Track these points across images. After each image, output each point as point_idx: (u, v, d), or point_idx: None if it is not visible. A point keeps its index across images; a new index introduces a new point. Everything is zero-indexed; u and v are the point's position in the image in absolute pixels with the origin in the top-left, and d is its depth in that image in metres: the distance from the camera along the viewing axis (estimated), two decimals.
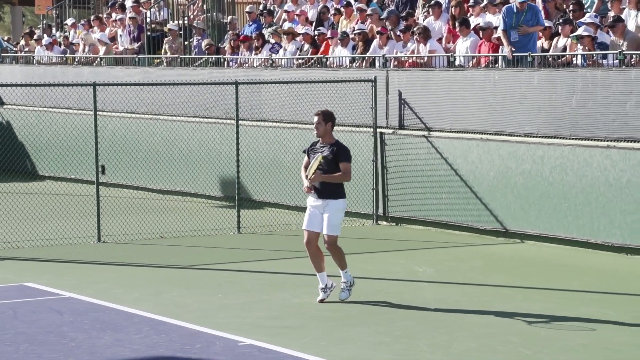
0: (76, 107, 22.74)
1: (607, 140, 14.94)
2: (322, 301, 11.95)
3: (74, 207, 18.71)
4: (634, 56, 15.21)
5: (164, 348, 10.15)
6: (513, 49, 16.48)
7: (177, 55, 23.56)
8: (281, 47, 21.36)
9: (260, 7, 24.12)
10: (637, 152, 14.54)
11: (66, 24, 28.61)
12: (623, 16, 16.15)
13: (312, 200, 11.94)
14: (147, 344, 10.32)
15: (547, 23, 16.89)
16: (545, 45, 16.86)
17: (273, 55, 21.34)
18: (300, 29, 21.33)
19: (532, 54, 16.28)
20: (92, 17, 27.36)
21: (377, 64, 18.87)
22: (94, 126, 16.91)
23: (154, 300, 12.36)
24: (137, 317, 11.44)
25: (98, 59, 25.22)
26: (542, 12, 16.94)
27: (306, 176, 11.87)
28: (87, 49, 26.03)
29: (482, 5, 18.38)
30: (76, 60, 26.23)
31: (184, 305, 12.03)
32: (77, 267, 14.61)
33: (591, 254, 14.98)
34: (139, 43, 25.06)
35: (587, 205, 15.14)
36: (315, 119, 11.95)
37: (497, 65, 17.09)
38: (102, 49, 25.31)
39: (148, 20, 25.29)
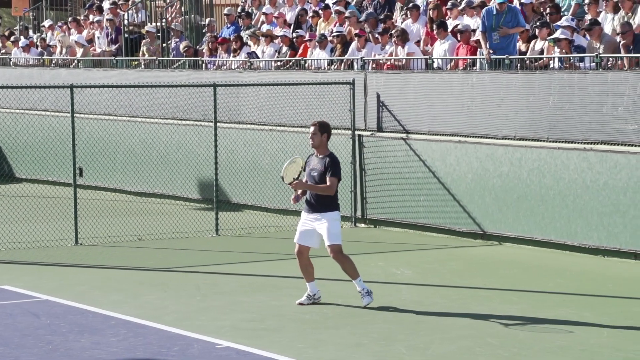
0: (53, 109, 22.65)
1: (584, 143, 15.01)
2: (300, 304, 11.93)
3: (51, 210, 18.62)
4: (610, 59, 15.29)
5: (142, 351, 10.12)
6: (491, 52, 16.53)
7: (155, 58, 23.51)
8: (257, 56, 21.33)
9: (239, 10, 24.11)
10: (614, 155, 14.62)
11: (43, 26, 28.49)
12: (600, 19, 16.24)
13: (305, 215, 11.83)
14: (125, 346, 10.29)
15: None
16: (523, 48, 16.93)
17: (252, 48, 21.29)
18: (278, 31, 21.33)
19: (510, 57, 16.34)
20: (70, 19, 27.26)
21: (355, 67, 18.89)
22: (72, 128, 16.85)
23: (131, 302, 12.32)
24: (115, 319, 11.41)
25: (75, 61, 25.13)
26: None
27: (281, 177, 11.80)
28: (64, 50, 25.93)
29: (459, 8, 18.43)
30: (53, 62, 26.13)
31: (162, 308, 12.00)
32: (54, 269, 14.55)
33: (568, 256, 15.04)
34: (117, 45, 25.00)
35: (564, 208, 15.21)
36: (312, 129, 11.81)
37: (475, 67, 17.14)
38: (79, 51, 25.22)
39: (126, 22, 25.23)
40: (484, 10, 16.82)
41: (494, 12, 16.56)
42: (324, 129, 11.82)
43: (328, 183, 11.64)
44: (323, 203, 11.71)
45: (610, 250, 14.73)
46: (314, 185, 11.73)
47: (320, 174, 11.68)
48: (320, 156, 11.79)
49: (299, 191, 11.90)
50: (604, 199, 14.73)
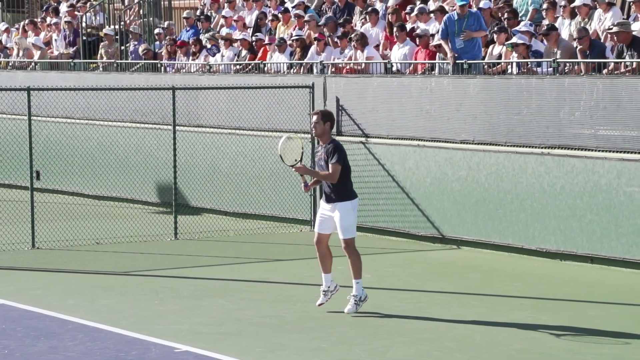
0: (10, 112, 22.44)
1: (542, 148, 15.12)
2: (320, 305, 11.76)
3: (7, 213, 18.44)
4: (567, 64, 15.42)
5: (99, 355, 10.06)
6: (455, 55, 16.49)
7: (113, 60, 23.39)
8: (219, 50, 21.31)
9: (198, 13, 24.05)
10: (571, 159, 14.74)
11: None
12: (557, 25, 16.38)
13: (322, 205, 11.69)
14: (82, 351, 10.22)
15: None
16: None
17: (210, 59, 21.29)
18: (237, 34, 21.30)
19: (469, 62, 16.41)
20: (27, 21, 27.04)
21: (314, 70, 18.90)
22: (29, 131, 16.72)
23: (89, 307, 12.23)
24: (72, 324, 11.32)
25: (32, 64, 24.94)
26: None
27: (279, 156, 11.62)
28: (21, 53, 25.72)
29: (414, 14, 18.46)
30: (10, 64, 25.91)
31: (120, 312, 11.93)
32: (10, 273, 14.41)
33: (526, 260, 15.14)
34: (75, 47, 24.84)
35: (522, 212, 15.31)
36: (314, 118, 11.68)
37: (433, 72, 17.21)
38: (36, 54, 25.03)
39: (84, 24, 25.07)
40: (445, 17, 16.83)
41: (456, 18, 16.58)
42: (326, 118, 11.68)
43: (330, 170, 11.53)
44: (336, 192, 11.56)
45: (567, 254, 14.85)
46: (315, 171, 11.63)
47: (326, 162, 11.55)
48: (324, 145, 11.65)
49: (309, 179, 11.73)
50: (561, 203, 14.84)
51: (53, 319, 11.55)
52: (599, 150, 14.48)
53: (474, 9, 17.27)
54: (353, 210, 11.65)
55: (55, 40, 25.45)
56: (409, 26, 18.37)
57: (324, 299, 11.81)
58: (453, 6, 18.02)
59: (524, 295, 12.88)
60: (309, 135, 18.22)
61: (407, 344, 10.48)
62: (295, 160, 11.71)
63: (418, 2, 19.06)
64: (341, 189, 11.59)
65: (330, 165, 11.50)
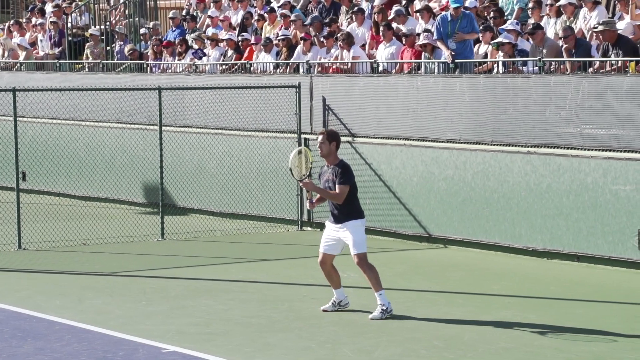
0: None
1: (528, 146, 15.17)
2: (324, 311, 11.73)
3: None
4: (553, 63, 15.47)
5: (86, 356, 10.04)
6: (452, 53, 16.47)
7: (99, 61, 23.34)
8: (205, 54, 21.30)
9: (184, 13, 24.03)
10: (557, 158, 14.79)
11: None
12: (542, 23, 16.43)
13: (329, 226, 11.64)
14: (69, 352, 10.20)
15: None
16: None
17: (196, 60, 21.28)
18: (223, 34, 21.29)
19: (456, 61, 16.41)
20: (12, 22, 26.96)
21: (301, 70, 18.91)
22: (14, 132, 16.68)
23: (76, 307, 12.21)
24: (59, 325, 11.30)
25: (18, 64, 24.87)
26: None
27: (289, 169, 11.57)
28: (6, 53, 25.65)
29: (391, 16, 18.47)
30: None
31: (107, 313, 11.91)
32: None
33: (513, 259, 15.18)
34: (60, 48, 24.78)
35: (508, 211, 15.35)
36: (320, 138, 11.58)
37: (419, 71, 17.23)
38: (22, 54, 24.96)
39: (69, 25, 25.02)
40: (438, 18, 16.80)
41: (449, 19, 16.55)
42: (332, 138, 11.57)
43: (337, 190, 11.43)
44: (344, 212, 11.48)
45: (553, 252, 14.90)
46: (322, 189, 11.53)
47: (334, 183, 11.46)
48: (331, 166, 11.56)
49: (314, 196, 11.63)
50: (547, 201, 14.88)
51: (40, 320, 11.53)
52: (584, 149, 14.53)
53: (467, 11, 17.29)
54: (362, 227, 11.59)
55: (41, 40, 25.38)
56: (393, 25, 18.38)
57: (330, 307, 11.80)
58: (440, 5, 18.07)
59: (510, 294, 12.91)
60: (295, 135, 18.24)
61: (395, 343, 10.50)
62: (303, 175, 11.66)
63: (404, 1, 19.09)
64: (350, 209, 11.52)
65: (337, 187, 11.44)
